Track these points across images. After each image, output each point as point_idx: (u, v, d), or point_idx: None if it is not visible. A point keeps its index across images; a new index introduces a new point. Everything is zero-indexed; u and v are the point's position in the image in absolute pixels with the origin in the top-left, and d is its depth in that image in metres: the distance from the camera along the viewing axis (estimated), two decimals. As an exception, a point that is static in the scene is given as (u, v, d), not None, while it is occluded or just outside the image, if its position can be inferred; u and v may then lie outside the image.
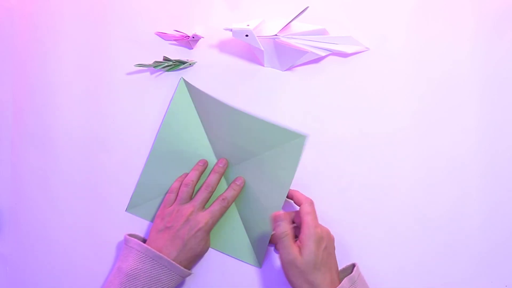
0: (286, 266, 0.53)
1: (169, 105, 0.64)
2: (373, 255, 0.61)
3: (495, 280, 0.61)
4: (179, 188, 0.61)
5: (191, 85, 0.63)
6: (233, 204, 0.63)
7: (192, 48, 0.66)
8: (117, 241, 0.64)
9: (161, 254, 0.56)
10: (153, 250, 0.56)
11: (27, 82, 0.67)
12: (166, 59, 0.64)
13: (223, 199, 0.60)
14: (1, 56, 0.68)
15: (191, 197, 0.61)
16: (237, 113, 0.61)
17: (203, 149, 0.63)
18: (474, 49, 0.64)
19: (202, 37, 0.64)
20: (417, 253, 0.61)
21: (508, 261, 0.61)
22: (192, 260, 0.58)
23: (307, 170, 0.63)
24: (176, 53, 0.66)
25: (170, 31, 0.65)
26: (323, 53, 0.63)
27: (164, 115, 0.64)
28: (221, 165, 0.62)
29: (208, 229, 0.59)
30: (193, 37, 0.63)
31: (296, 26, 0.63)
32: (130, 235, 0.61)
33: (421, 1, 0.65)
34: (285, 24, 0.60)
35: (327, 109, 0.64)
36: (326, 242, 0.55)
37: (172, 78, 0.65)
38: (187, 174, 0.62)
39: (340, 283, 0.53)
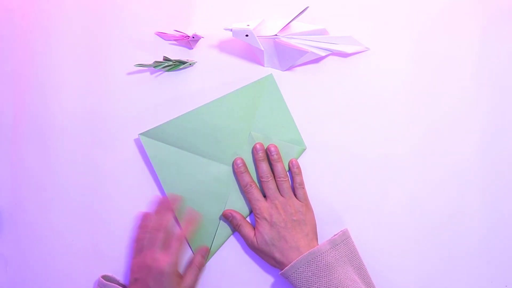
0: (251, 249, 0.62)
1: (155, 170, 0.62)
2: (373, 255, 0.61)
3: (495, 280, 0.61)
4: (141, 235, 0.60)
5: (150, 132, 0.61)
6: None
7: (192, 48, 0.66)
8: (116, 242, 0.63)
9: None
10: None
11: (27, 82, 0.67)
12: (166, 59, 0.64)
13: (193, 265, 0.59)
14: (1, 56, 0.68)
15: (154, 241, 0.58)
16: (203, 110, 0.62)
17: (213, 168, 0.62)
18: (476, 49, 0.64)
19: (202, 37, 0.64)
20: (417, 253, 0.61)
21: (508, 261, 0.61)
22: None
23: (307, 170, 0.63)
24: (176, 53, 0.66)
25: (170, 31, 0.65)
26: (323, 53, 0.63)
27: (158, 179, 0.62)
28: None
29: (173, 271, 0.56)
30: (193, 37, 0.63)
31: (296, 26, 0.63)
32: (105, 277, 0.60)
33: (421, 0, 0.65)
34: (285, 24, 0.60)
35: (327, 109, 0.64)
36: (274, 219, 0.59)
37: (172, 78, 0.65)
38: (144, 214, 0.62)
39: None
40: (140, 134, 0.62)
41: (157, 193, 0.64)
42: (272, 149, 0.62)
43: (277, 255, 0.58)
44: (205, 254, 0.61)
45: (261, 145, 0.62)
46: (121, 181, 0.64)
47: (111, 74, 0.66)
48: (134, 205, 0.64)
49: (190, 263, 0.60)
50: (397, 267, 0.61)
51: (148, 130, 0.62)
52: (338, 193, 0.63)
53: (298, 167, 0.62)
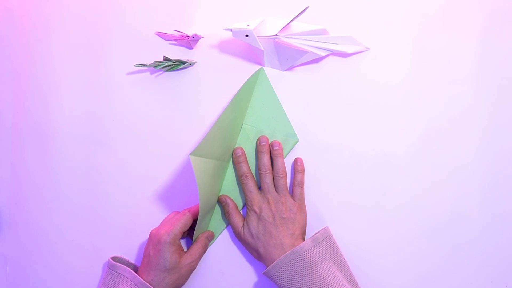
0: (237, 239, 0.62)
1: (197, 185, 0.55)
2: (373, 255, 0.61)
3: (495, 280, 0.61)
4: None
5: (197, 150, 0.54)
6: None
7: (192, 48, 0.66)
8: (116, 241, 0.64)
9: (144, 282, 0.55)
10: (139, 277, 0.56)
11: (27, 82, 0.67)
12: (166, 59, 0.64)
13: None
14: (1, 56, 0.67)
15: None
16: (220, 120, 0.58)
17: (211, 163, 0.59)
18: (476, 49, 0.64)
19: (202, 37, 0.64)
20: (417, 253, 0.61)
21: (508, 261, 0.61)
22: (164, 277, 0.56)
23: (307, 170, 0.63)
24: (176, 53, 0.66)
25: (170, 31, 0.65)
26: (323, 53, 0.63)
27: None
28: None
29: (170, 239, 0.56)
30: (193, 37, 0.63)
31: (296, 26, 0.62)
32: (114, 259, 0.60)
33: (421, 0, 0.65)
34: (285, 24, 0.60)
35: (327, 109, 0.64)
36: (263, 213, 0.59)
37: (172, 78, 0.65)
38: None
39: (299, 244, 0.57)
40: (191, 154, 0.53)
41: (156, 192, 0.64)
42: (276, 144, 0.62)
43: (261, 249, 0.58)
44: (210, 237, 0.62)
45: (266, 138, 0.63)
46: (120, 181, 0.64)
47: (111, 74, 0.66)
48: (134, 205, 0.64)
49: (195, 241, 0.61)
50: (397, 268, 0.61)
51: (195, 149, 0.54)
52: (337, 193, 0.63)
53: (302, 166, 0.63)
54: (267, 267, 0.58)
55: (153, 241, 0.57)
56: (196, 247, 0.59)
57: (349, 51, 0.63)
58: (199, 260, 0.60)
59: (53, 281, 0.64)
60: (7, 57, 0.67)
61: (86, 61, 0.66)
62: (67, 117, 0.66)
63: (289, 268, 0.55)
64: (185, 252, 0.59)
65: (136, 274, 0.56)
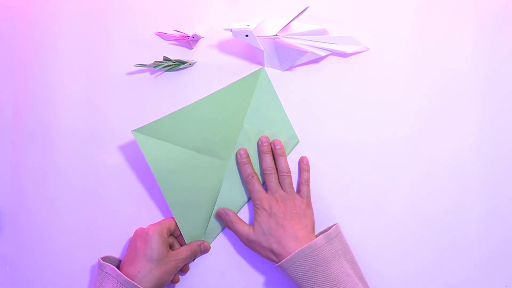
0: (246, 244, 0.61)
1: (150, 166, 0.59)
2: (374, 256, 0.61)
3: (495, 280, 0.61)
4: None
5: (144, 128, 0.59)
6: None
7: (192, 48, 0.66)
8: (116, 241, 0.64)
9: (128, 279, 0.55)
10: (124, 276, 0.55)
11: (27, 82, 0.67)
12: (166, 59, 0.64)
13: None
14: (1, 56, 0.68)
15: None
16: (197, 106, 0.61)
17: (206, 162, 0.62)
18: (476, 50, 0.64)
19: (202, 37, 0.64)
20: (418, 254, 0.61)
21: (508, 261, 0.61)
22: (151, 269, 0.56)
23: (307, 170, 0.63)
24: (176, 53, 0.66)
25: (170, 31, 0.65)
26: (323, 53, 0.63)
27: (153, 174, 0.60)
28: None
29: (159, 233, 0.58)
30: (193, 37, 0.63)
31: (296, 26, 0.63)
32: (104, 258, 0.60)
33: (422, 0, 0.65)
34: (285, 24, 0.60)
35: (327, 109, 0.64)
36: (274, 210, 0.59)
37: (172, 78, 0.65)
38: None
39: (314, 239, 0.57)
40: (133, 130, 0.58)
41: (156, 191, 0.64)
42: (277, 143, 0.62)
43: (275, 245, 0.58)
44: (204, 248, 0.62)
45: (267, 137, 0.63)
46: (121, 181, 0.64)
47: (111, 74, 0.66)
48: (134, 206, 0.64)
49: (188, 245, 0.61)
50: (398, 267, 0.61)
51: (142, 126, 0.58)
52: (338, 193, 0.63)
53: (308, 164, 0.63)
54: (278, 262, 0.57)
55: (140, 235, 0.59)
56: (184, 249, 0.60)
57: (349, 51, 0.63)
58: (185, 263, 0.60)
59: (53, 281, 0.64)
60: (8, 57, 0.67)
61: (86, 61, 0.66)
62: (67, 117, 0.66)
63: (303, 263, 0.55)
64: (173, 250, 0.60)
65: (120, 273, 0.56)
